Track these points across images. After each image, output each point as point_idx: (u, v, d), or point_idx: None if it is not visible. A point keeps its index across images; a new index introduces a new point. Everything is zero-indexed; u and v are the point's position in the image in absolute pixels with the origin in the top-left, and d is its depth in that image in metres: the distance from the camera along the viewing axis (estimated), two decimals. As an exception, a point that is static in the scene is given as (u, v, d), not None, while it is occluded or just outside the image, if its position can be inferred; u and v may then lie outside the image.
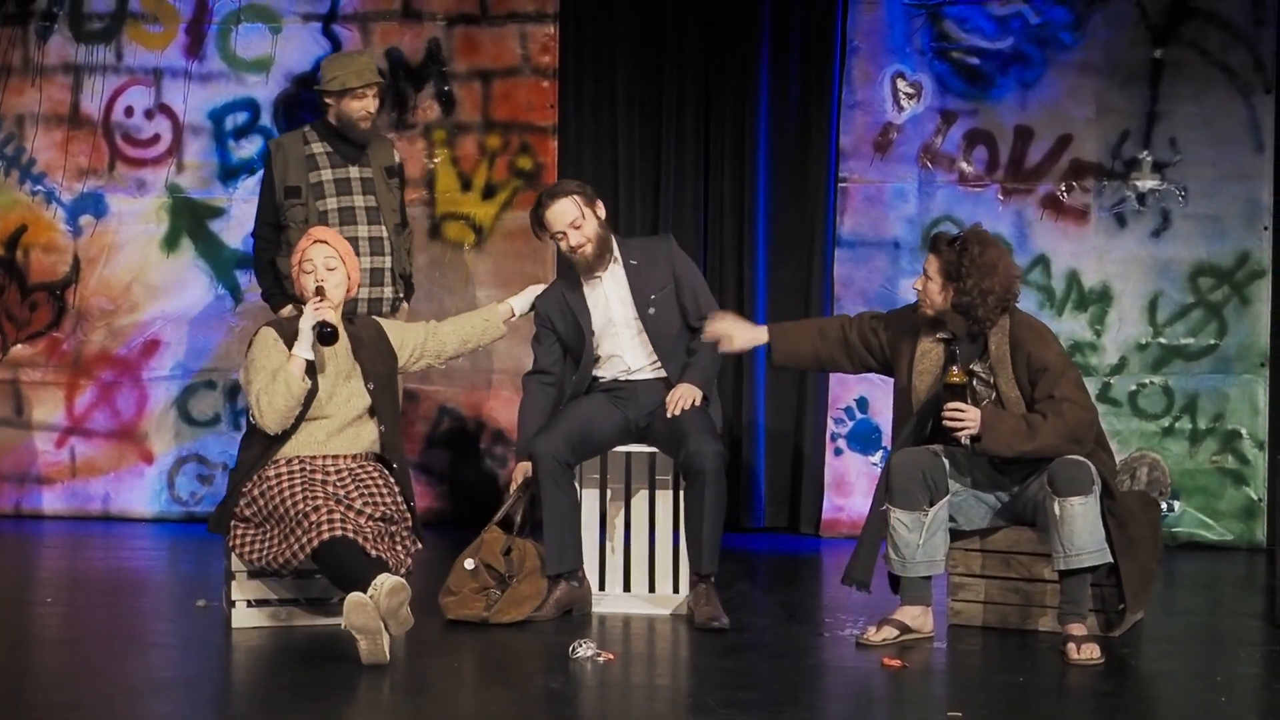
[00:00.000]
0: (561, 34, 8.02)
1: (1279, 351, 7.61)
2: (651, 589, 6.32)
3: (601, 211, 6.18)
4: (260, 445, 5.72)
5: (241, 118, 8.11)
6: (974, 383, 5.71)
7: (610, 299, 6.18)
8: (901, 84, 7.80)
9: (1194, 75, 7.61)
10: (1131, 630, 5.83)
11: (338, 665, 5.27)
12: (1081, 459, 5.54)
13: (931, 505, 5.70)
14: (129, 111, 8.14)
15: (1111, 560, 5.56)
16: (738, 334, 6.06)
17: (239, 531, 5.70)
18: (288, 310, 6.72)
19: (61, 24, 8.12)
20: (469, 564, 5.93)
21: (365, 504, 5.61)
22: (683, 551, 6.11)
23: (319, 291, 5.73)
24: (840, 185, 7.85)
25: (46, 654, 5.60)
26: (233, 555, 5.75)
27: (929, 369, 5.77)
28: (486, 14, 8.04)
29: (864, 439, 7.82)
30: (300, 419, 5.71)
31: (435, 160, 8.04)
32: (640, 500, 6.34)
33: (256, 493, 5.65)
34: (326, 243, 5.83)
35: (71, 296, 8.14)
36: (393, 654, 5.31)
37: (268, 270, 6.87)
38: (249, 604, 5.83)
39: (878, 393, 7.57)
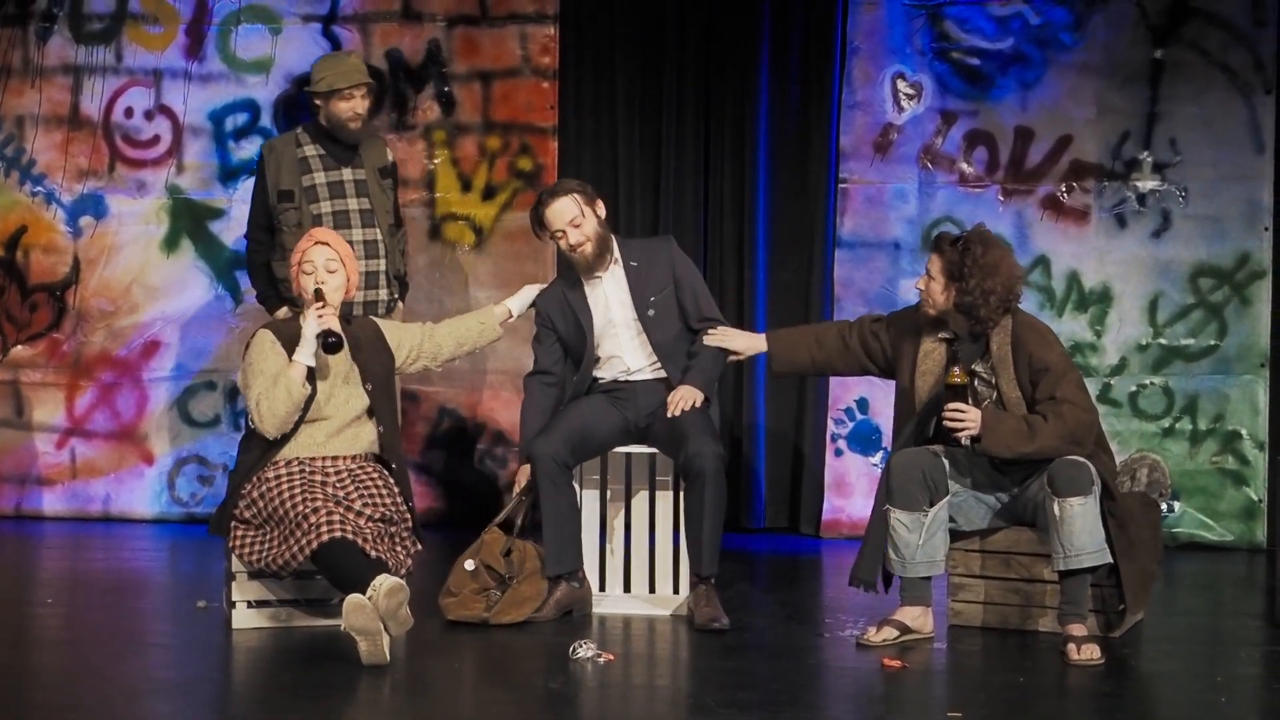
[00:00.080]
0: (561, 35, 8.02)
1: (1279, 352, 7.61)
2: (652, 590, 6.32)
3: (602, 211, 6.18)
4: (259, 447, 5.72)
5: (241, 119, 8.11)
6: (975, 383, 5.71)
7: (610, 299, 6.18)
8: (902, 84, 7.80)
9: (1194, 76, 7.61)
10: (1131, 630, 5.83)
11: (338, 665, 5.27)
12: (1081, 460, 5.54)
13: (931, 506, 5.70)
14: (129, 112, 8.14)
15: (1111, 561, 5.57)
16: (736, 342, 6.11)
17: (239, 533, 5.70)
18: (283, 312, 6.72)
19: (61, 25, 8.12)
20: (469, 565, 5.93)
21: (365, 505, 5.61)
22: (683, 552, 6.11)
23: (319, 295, 5.71)
24: (840, 186, 7.85)
25: (46, 654, 5.60)
26: (233, 556, 5.75)
27: (931, 369, 5.77)
28: (486, 15, 8.03)
29: (864, 440, 7.82)
30: (299, 422, 5.70)
31: (435, 161, 8.04)
32: (640, 501, 6.34)
33: (256, 494, 5.65)
34: (328, 245, 5.83)
35: (71, 297, 8.14)
36: (393, 654, 5.31)
37: (261, 272, 6.87)
38: (249, 605, 5.83)
39: (878, 393, 7.57)
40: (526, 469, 6.08)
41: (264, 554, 5.61)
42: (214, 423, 8.14)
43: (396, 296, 6.89)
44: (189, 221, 8.12)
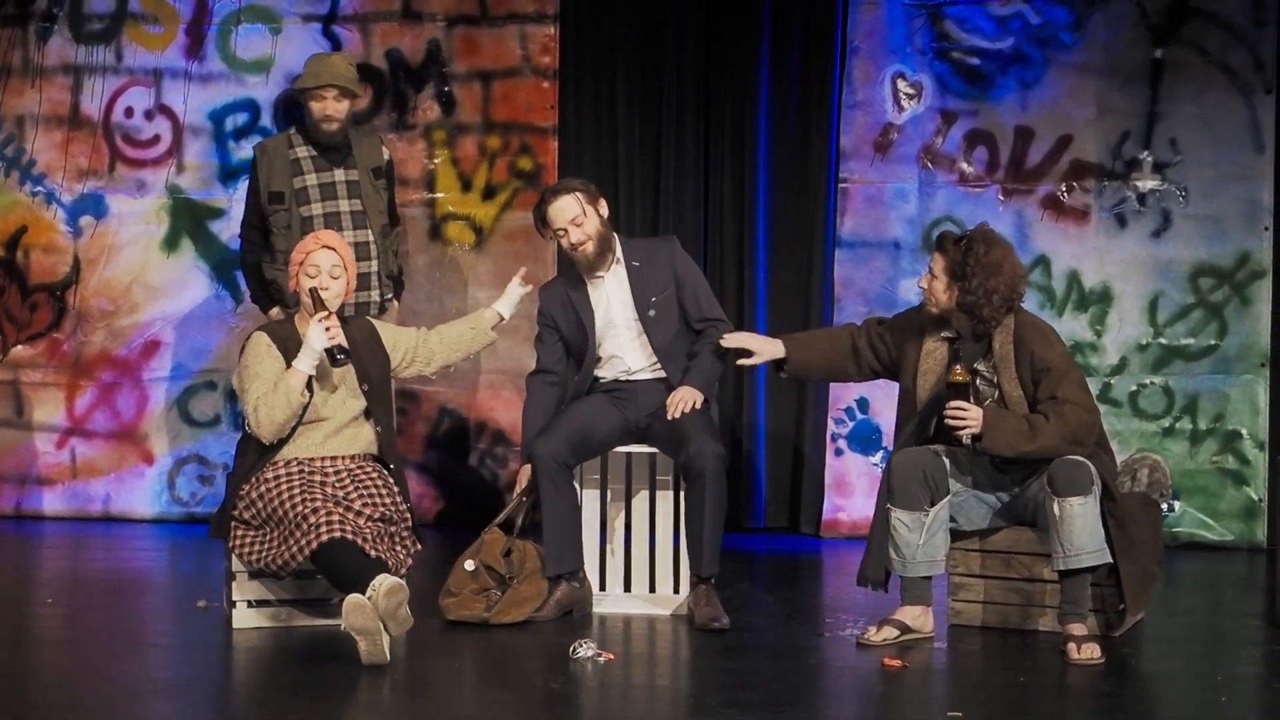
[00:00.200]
0: (561, 34, 8.02)
1: (1279, 352, 7.61)
2: (652, 589, 6.32)
3: (604, 211, 6.18)
4: (257, 449, 5.71)
5: (241, 118, 8.11)
6: (977, 382, 5.71)
7: (611, 299, 6.18)
8: (902, 84, 7.80)
9: (1194, 75, 7.61)
10: (1131, 630, 5.83)
11: (338, 665, 5.27)
12: (1081, 459, 5.54)
13: (932, 505, 5.70)
14: (129, 112, 8.14)
15: (1111, 560, 5.56)
16: (753, 344, 6.10)
17: (239, 533, 5.70)
18: (275, 312, 6.72)
19: (61, 25, 8.12)
20: (469, 565, 5.92)
21: (364, 505, 5.61)
22: (683, 552, 6.11)
23: (321, 304, 5.68)
24: (840, 186, 7.85)
25: (46, 654, 5.60)
26: (233, 556, 5.75)
27: (933, 368, 5.77)
28: (486, 15, 8.03)
29: (864, 439, 7.82)
30: (296, 425, 5.70)
31: (435, 161, 8.04)
32: (640, 500, 6.34)
33: (255, 495, 5.65)
34: (334, 250, 5.80)
35: (72, 297, 8.14)
36: (393, 654, 5.31)
37: (254, 273, 6.87)
38: (249, 604, 5.83)
39: (878, 393, 7.57)
40: (527, 469, 6.08)
41: (264, 554, 5.61)
42: (214, 422, 8.14)
43: (391, 297, 6.88)
44: (189, 221, 8.12)
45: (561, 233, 6.12)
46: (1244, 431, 7.60)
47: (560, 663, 5.36)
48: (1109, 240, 7.70)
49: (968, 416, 5.56)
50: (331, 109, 6.70)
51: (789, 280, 7.99)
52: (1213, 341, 7.63)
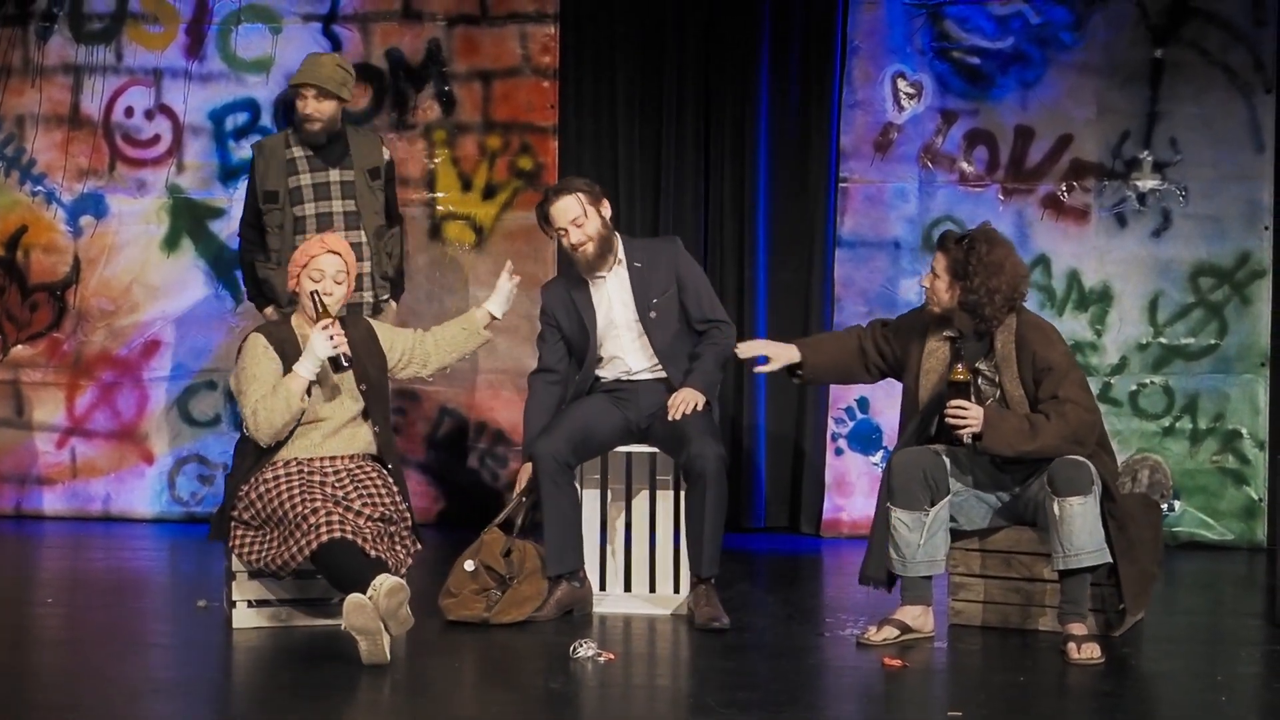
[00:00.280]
0: (562, 34, 8.02)
1: (1279, 351, 7.61)
2: (652, 589, 6.32)
3: (607, 211, 6.18)
4: (255, 451, 5.70)
5: (242, 118, 8.11)
6: (979, 381, 5.71)
7: (613, 300, 6.18)
8: (902, 84, 7.80)
9: (1194, 75, 7.61)
10: (1132, 630, 5.83)
11: (338, 665, 5.27)
12: (1081, 459, 5.54)
13: (932, 505, 5.70)
14: (129, 112, 8.14)
15: (1111, 560, 5.56)
16: (769, 349, 6.10)
17: (238, 534, 5.69)
18: (270, 311, 6.72)
19: (61, 24, 8.12)
20: (469, 565, 5.92)
21: (364, 505, 5.61)
22: (683, 552, 6.11)
23: (325, 310, 5.67)
24: (840, 185, 7.85)
25: (46, 654, 5.60)
26: (233, 556, 5.75)
27: (935, 368, 5.77)
28: (486, 14, 8.03)
29: (865, 439, 7.82)
30: (293, 429, 5.70)
31: (435, 160, 8.04)
32: (641, 500, 6.34)
33: (254, 496, 5.65)
34: (340, 255, 5.78)
35: (72, 297, 8.14)
36: (393, 654, 5.31)
37: (251, 272, 6.86)
38: (249, 604, 5.83)
39: (878, 393, 7.57)
40: (528, 468, 6.07)
41: (264, 554, 5.61)
42: (214, 422, 8.14)
43: (386, 297, 6.86)
44: (189, 221, 8.12)
45: (562, 232, 6.12)
46: (1244, 431, 7.60)
47: (560, 663, 5.36)
48: (1109, 240, 7.70)
49: (969, 415, 5.56)
50: (312, 108, 6.67)
51: (789, 280, 7.98)
52: (1213, 341, 7.63)
